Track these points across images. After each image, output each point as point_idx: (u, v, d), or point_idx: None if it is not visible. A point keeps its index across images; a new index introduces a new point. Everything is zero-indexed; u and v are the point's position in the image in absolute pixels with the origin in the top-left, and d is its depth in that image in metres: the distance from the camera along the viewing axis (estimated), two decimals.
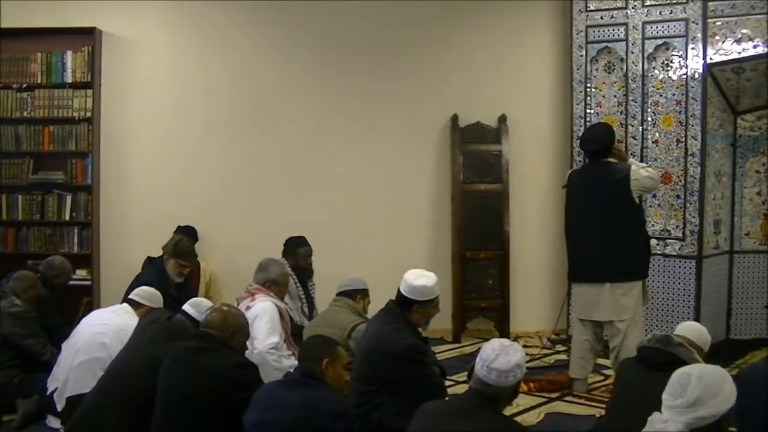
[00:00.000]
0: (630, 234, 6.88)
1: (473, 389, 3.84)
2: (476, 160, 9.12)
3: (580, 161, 8.40)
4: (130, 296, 6.17)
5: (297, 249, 7.77)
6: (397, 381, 4.98)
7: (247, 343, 5.12)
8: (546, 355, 8.39)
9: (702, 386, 3.20)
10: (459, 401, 3.98)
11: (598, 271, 6.91)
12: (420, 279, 5.16)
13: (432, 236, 9.27)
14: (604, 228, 6.85)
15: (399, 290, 5.19)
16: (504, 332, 8.94)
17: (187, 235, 8.03)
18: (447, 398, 5.18)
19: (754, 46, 7.96)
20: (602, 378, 7.47)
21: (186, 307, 5.56)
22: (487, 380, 3.75)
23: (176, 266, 7.13)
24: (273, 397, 4.23)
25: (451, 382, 6.61)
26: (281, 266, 6.72)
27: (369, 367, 5.05)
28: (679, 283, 8.28)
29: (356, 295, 6.55)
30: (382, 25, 9.11)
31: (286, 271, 6.93)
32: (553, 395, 7.06)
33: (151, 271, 7.16)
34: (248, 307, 6.01)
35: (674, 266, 8.32)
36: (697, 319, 7.87)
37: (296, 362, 4.90)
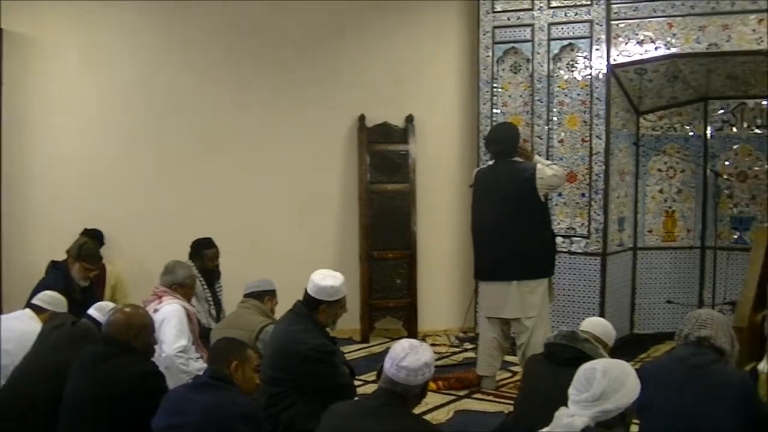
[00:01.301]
0: (536, 232, 6.96)
1: (382, 388, 3.84)
2: (383, 159, 9.14)
3: (486, 160, 8.45)
4: (32, 301, 6.03)
5: (204, 251, 7.68)
6: (305, 382, 4.96)
7: (155, 346, 5.04)
8: (454, 353, 8.43)
9: (607, 380, 3.23)
10: (368, 401, 3.98)
11: (505, 270, 6.98)
12: (327, 279, 5.15)
13: (339, 236, 9.27)
14: (510, 227, 6.93)
15: (306, 291, 5.16)
16: (412, 331, 8.96)
17: (92, 238, 7.88)
18: (356, 398, 5.18)
19: (656, 48, 8.13)
20: (510, 375, 7.55)
21: (91, 311, 5.44)
22: (396, 379, 3.76)
23: (81, 270, 6.99)
24: (181, 401, 4.16)
25: (360, 382, 6.63)
26: (188, 268, 6.64)
27: (277, 368, 5.02)
28: (584, 280, 8.40)
29: (264, 296, 6.49)
30: (289, 25, 9.04)
31: (193, 273, 6.83)
32: (462, 393, 7.11)
33: (55, 276, 7.00)
34: (155, 310, 5.90)
35: (580, 263, 8.45)
36: (602, 314, 8.00)
37: (204, 365, 4.85)
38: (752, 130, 8.76)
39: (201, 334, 6.42)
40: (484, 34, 8.84)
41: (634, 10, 8.18)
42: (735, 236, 8.87)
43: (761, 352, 6.11)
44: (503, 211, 6.98)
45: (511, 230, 6.93)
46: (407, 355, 3.77)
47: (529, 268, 6.97)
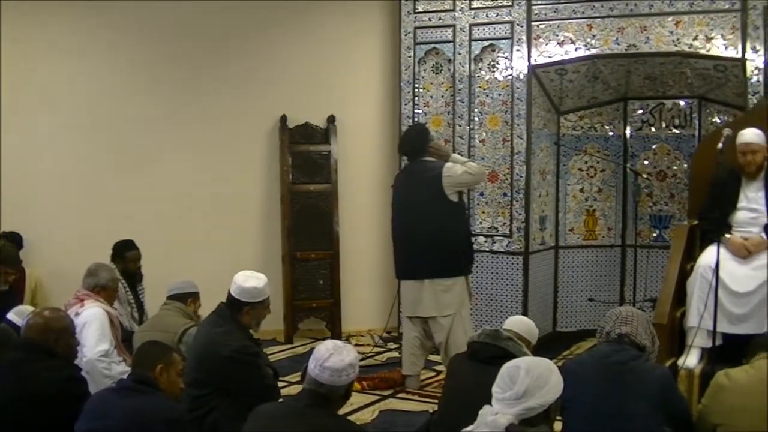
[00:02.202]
0: (448, 231, 6.99)
1: (307, 389, 3.82)
2: (305, 160, 9.11)
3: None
4: None
5: (125, 253, 7.57)
6: (229, 384, 4.91)
7: (78, 348, 4.96)
8: (378, 353, 8.43)
9: (530, 378, 3.25)
10: (293, 402, 3.95)
11: (419, 268, 7.05)
12: (250, 280, 5.11)
13: (262, 237, 9.22)
14: (422, 226, 6.99)
15: (229, 292, 5.12)
16: (336, 332, 8.96)
17: (11, 241, 7.74)
18: (281, 399, 5.15)
19: (576, 49, 8.23)
20: (434, 374, 7.58)
21: (10, 315, 5.37)
22: (320, 379, 3.74)
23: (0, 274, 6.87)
24: (104, 405, 4.09)
25: (284, 383, 6.59)
26: (111, 271, 6.54)
27: (201, 370, 4.96)
28: (507, 279, 8.47)
29: (187, 298, 6.41)
30: (209, 26, 8.96)
31: (115, 276, 6.73)
32: (386, 393, 7.12)
33: None
34: (77, 314, 5.81)
35: (502, 262, 8.51)
36: (524, 313, 8.05)
37: (127, 369, 4.79)
38: (671, 129, 8.91)
39: (123, 338, 6.33)
40: (405, 35, 8.87)
41: (555, 12, 8.28)
42: (654, 234, 9.02)
43: (681, 347, 6.23)
44: (415, 210, 7.05)
45: (422, 229, 6.99)
46: (331, 356, 3.75)
47: (442, 266, 7.01)
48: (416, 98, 8.87)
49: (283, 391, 6.12)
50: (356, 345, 7.75)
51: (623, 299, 8.66)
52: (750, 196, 6.60)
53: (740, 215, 6.56)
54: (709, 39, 7.82)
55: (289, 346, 8.78)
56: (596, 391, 4.19)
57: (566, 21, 8.25)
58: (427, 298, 7.01)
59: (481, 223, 8.55)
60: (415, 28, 8.82)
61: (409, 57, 8.87)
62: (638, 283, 8.32)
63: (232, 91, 9.07)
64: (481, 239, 8.50)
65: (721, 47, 7.79)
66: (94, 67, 8.83)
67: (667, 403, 4.27)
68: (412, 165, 7.29)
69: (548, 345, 7.88)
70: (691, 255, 6.72)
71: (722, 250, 5.97)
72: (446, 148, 7.70)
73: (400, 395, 7.09)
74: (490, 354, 4.44)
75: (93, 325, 5.74)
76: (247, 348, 5.01)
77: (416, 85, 8.87)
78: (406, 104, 8.92)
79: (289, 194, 9.02)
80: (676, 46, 7.93)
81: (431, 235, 6.95)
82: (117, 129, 8.82)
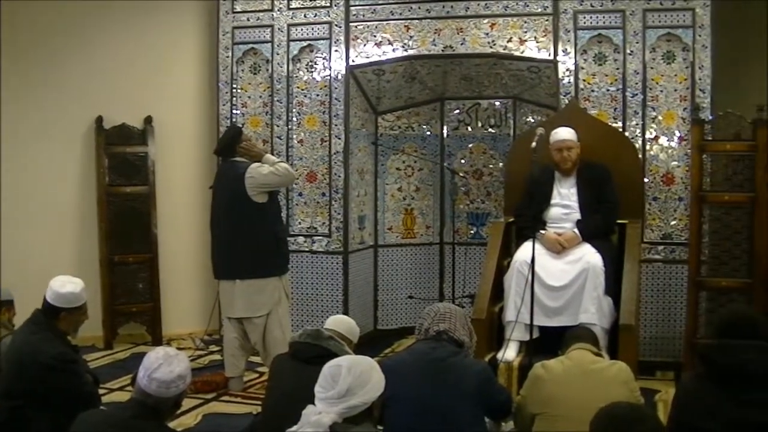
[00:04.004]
0: (255, 232, 6.99)
1: (134, 399, 3.75)
2: (122, 162, 8.92)
3: None
4: None
5: None
6: (47, 392, 4.78)
7: None
8: (200, 357, 8.34)
9: (352, 376, 3.28)
10: (119, 411, 3.86)
11: (230, 269, 7.08)
12: (66, 286, 5.00)
13: (78, 241, 8.96)
14: (231, 226, 7.01)
15: (45, 298, 4.99)
16: (156, 336, 8.80)
17: None
18: (103, 407, 5.04)
19: (394, 50, 8.33)
20: (257, 375, 7.55)
21: None
22: (148, 390, 3.68)
23: None
24: None
25: (104, 390, 6.47)
26: None
27: (17, 380, 4.83)
28: (327, 278, 8.51)
29: (0, 306, 6.24)
30: (20, 24, 8.64)
31: None
32: (210, 396, 7.05)
33: None
34: None
35: (322, 262, 8.54)
36: (345, 312, 8.12)
37: None
38: (486, 129, 9.13)
39: None
40: (223, 35, 8.80)
41: (373, 13, 8.36)
42: (472, 231, 9.22)
43: (500, 341, 6.39)
44: (224, 211, 7.08)
45: (232, 230, 7.01)
46: (160, 366, 3.68)
47: (252, 267, 7.01)
48: (234, 99, 8.80)
49: (105, 399, 5.99)
50: (178, 349, 7.65)
51: (442, 296, 8.79)
52: (563, 193, 6.85)
53: (554, 211, 6.81)
54: (522, 41, 8.04)
55: (109, 351, 8.55)
56: (417, 388, 4.27)
57: (384, 22, 8.34)
58: (239, 298, 7.02)
59: (300, 223, 8.56)
60: (234, 27, 8.75)
61: (227, 57, 8.80)
62: (457, 280, 8.50)
63: (46, 92, 8.75)
64: (301, 239, 8.52)
65: (534, 49, 8.03)
66: None
67: (487, 397, 4.39)
68: (224, 166, 7.31)
69: (370, 343, 7.96)
70: (507, 251, 6.92)
71: (537, 245, 6.14)
72: (259, 148, 7.63)
73: (223, 398, 7.04)
74: (312, 354, 4.46)
75: None
76: (65, 355, 4.90)
77: (234, 86, 8.80)
78: (224, 105, 8.85)
79: (105, 197, 8.82)
80: (491, 47, 8.13)
81: (238, 236, 6.96)
82: None
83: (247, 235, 6.96)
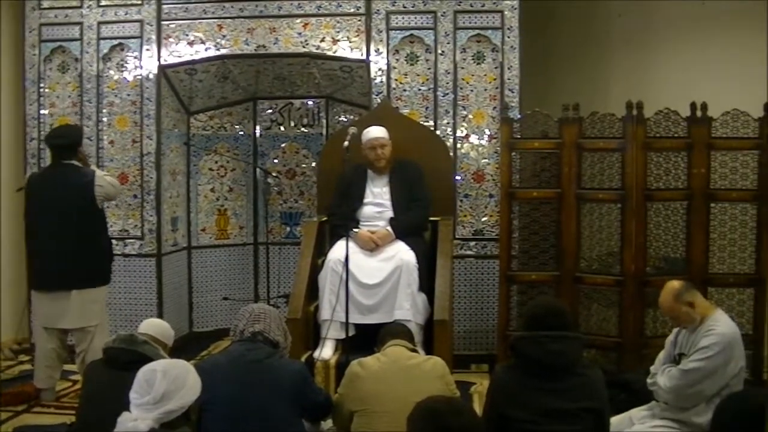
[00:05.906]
0: (93, 240, 6.81)
1: None
2: None
3: (34, 163, 8.26)
4: None
5: None
6: None
7: None
8: (9, 367, 8.08)
9: (167, 381, 3.26)
10: None
11: (64, 279, 6.74)
12: None
13: None
14: (68, 234, 6.70)
15: None
16: None
17: None
18: None
19: (206, 49, 8.28)
20: (70, 384, 7.36)
21: None
22: None
23: None
24: None
25: None
26: None
27: None
28: (140, 282, 8.37)
29: None
30: None
31: None
32: (20, 408, 6.82)
33: None
34: None
35: (135, 265, 8.40)
36: (160, 315, 8.02)
37: None
38: (299, 128, 9.17)
39: None
40: (30, 32, 8.52)
41: (185, 11, 8.27)
42: (286, 231, 9.24)
43: (316, 340, 6.44)
44: (60, 217, 6.72)
45: (69, 237, 6.71)
46: None
47: (90, 276, 6.81)
48: (42, 98, 8.53)
49: None
50: None
51: (258, 296, 8.81)
52: (376, 192, 6.95)
53: (367, 210, 6.90)
54: (335, 41, 8.12)
55: None
56: (234, 390, 4.27)
57: (197, 21, 8.26)
58: (73, 308, 6.73)
59: (112, 226, 8.36)
60: (41, 24, 8.48)
61: (34, 55, 8.53)
62: (272, 280, 8.54)
63: None
64: (113, 243, 8.36)
65: (347, 49, 8.12)
66: None
67: (303, 398, 4.43)
68: (58, 168, 6.88)
69: (185, 346, 7.91)
70: (321, 250, 6.96)
71: (351, 244, 6.20)
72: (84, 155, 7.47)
73: (35, 410, 6.82)
74: (126, 359, 4.39)
75: None
76: None
77: (42, 85, 8.53)
78: (31, 105, 8.56)
79: None
80: (304, 47, 8.17)
81: (78, 243, 6.70)
82: None
83: (88, 243, 6.75)
